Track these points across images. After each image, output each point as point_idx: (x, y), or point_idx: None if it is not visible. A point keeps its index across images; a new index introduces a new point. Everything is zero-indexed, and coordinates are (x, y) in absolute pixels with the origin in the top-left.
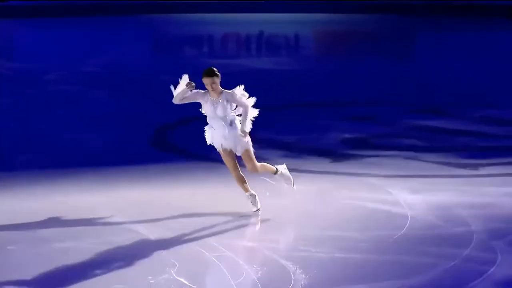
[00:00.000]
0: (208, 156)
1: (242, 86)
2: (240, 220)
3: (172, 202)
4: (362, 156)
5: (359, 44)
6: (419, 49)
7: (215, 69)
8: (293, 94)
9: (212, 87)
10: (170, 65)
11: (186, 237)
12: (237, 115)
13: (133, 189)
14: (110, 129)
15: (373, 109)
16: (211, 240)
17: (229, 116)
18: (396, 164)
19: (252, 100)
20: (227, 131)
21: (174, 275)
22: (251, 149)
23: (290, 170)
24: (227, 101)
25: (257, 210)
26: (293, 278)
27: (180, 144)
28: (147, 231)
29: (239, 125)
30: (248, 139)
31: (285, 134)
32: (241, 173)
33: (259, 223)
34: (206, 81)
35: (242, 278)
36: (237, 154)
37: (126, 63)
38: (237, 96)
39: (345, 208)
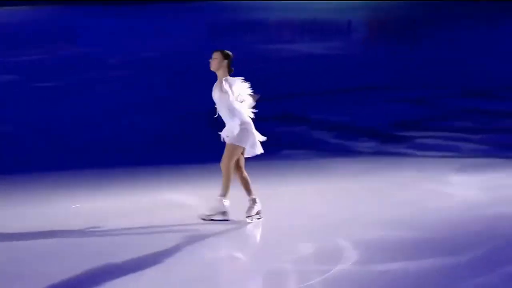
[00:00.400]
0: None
1: (241, 78)
2: (293, 203)
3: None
4: (412, 137)
5: (405, 29)
6: (468, 33)
7: (228, 52)
8: (344, 77)
9: (210, 62)
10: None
11: (242, 221)
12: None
13: (190, 174)
14: (166, 113)
15: (423, 92)
16: (268, 222)
17: (223, 104)
18: (446, 145)
19: (243, 103)
20: (225, 120)
21: (232, 252)
22: (234, 147)
23: (342, 152)
24: (216, 86)
25: (249, 217)
26: (344, 255)
27: None
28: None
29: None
30: (236, 134)
31: (337, 116)
32: (245, 173)
33: (312, 203)
34: None
35: (295, 254)
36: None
37: (183, 49)
38: (220, 85)
39: (394, 188)
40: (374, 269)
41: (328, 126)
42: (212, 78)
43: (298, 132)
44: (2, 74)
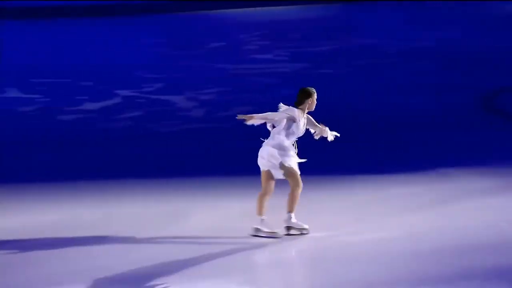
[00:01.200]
0: None
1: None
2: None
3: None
4: None
5: None
6: None
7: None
8: None
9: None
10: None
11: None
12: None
13: None
14: (440, 96)
15: None
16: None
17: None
18: None
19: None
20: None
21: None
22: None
23: None
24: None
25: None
26: None
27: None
28: None
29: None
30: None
31: None
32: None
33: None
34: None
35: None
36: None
37: (454, 41)
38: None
39: None
40: None
41: None
42: (484, 69)
43: None
44: (297, 62)
